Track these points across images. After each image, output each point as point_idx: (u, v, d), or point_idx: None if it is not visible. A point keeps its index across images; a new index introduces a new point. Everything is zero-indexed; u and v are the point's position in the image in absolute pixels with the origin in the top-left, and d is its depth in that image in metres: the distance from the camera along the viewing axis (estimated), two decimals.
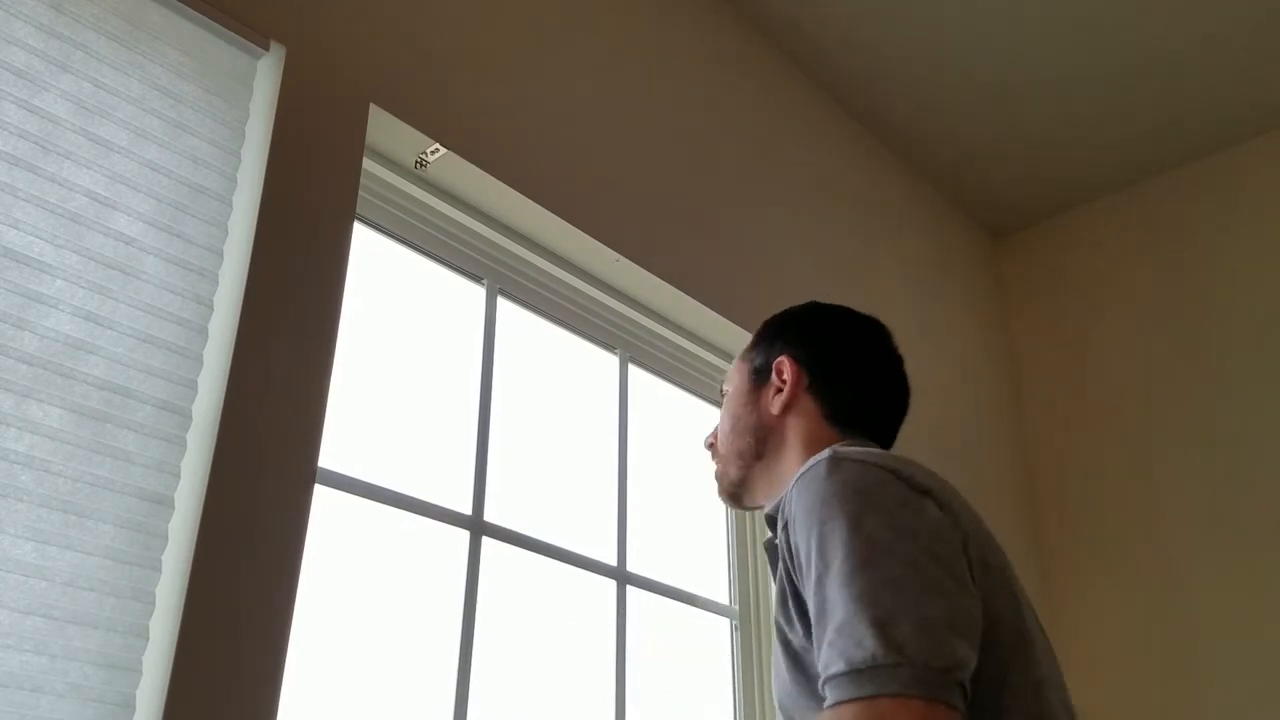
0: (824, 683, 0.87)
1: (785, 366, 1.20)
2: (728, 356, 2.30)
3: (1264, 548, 2.58)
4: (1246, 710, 2.49)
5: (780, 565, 1.02)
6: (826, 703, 0.86)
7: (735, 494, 1.24)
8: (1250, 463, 2.67)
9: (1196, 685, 2.58)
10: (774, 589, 1.09)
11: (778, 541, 1.05)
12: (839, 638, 0.86)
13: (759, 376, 1.23)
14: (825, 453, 1.00)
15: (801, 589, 0.96)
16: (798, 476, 1.00)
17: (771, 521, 1.11)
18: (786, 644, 1.02)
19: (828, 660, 0.87)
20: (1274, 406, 2.67)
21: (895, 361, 1.23)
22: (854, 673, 0.84)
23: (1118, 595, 2.77)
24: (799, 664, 1.00)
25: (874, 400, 1.19)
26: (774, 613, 1.07)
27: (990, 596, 0.96)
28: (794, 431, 1.17)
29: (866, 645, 0.84)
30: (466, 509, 1.72)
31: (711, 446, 1.26)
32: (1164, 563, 2.73)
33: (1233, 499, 2.67)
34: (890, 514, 0.93)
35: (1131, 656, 2.71)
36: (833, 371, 1.20)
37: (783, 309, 1.29)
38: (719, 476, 1.24)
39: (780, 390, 1.20)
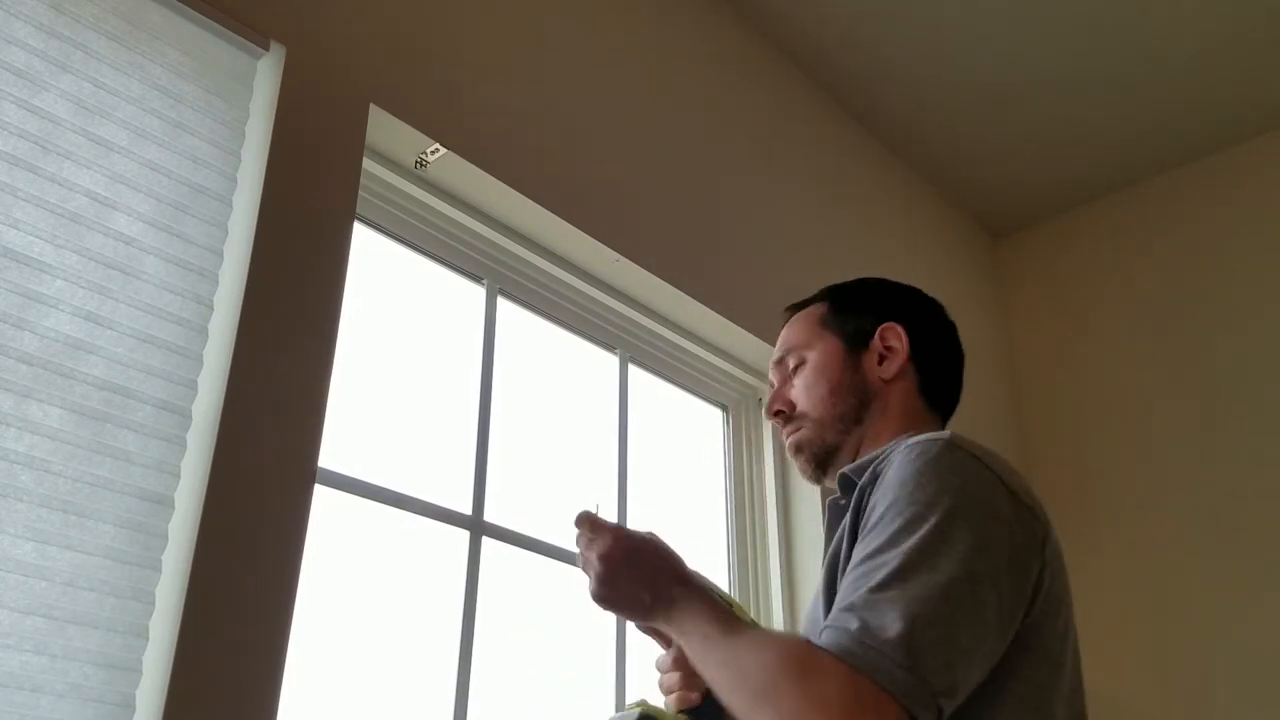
0: (829, 625, 0.88)
1: (896, 334, 1.22)
2: (728, 356, 2.30)
3: (1264, 547, 2.58)
4: (1244, 704, 2.49)
5: (843, 525, 1.02)
6: (823, 639, 0.87)
7: (825, 460, 1.20)
8: (1250, 462, 2.67)
9: (1195, 680, 2.58)
10: (827, 552, 1.09)
11: (844, 502, 1.06)
12: (871, 609, 0.87)
13: (855, 341, 1.23)
14: (945, 434, 1.00)
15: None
16: (908, 445, 0.99)
17: (847, 483, 1.10)
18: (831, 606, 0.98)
19: (844, 618, 0.87)
20: (1274, 406, 2.67)
21: (963, 352, 1.28)
22: (864, 645, 0.85)
23: (1117, 595, 2.77)
24: None
25: (955, 383, 1.24)
26: (821, 576, 1.06)
27: (1047, 619, 0.96)
28: (897, 398, 1.18)
29: (890, 633, 0.84)
30: (466, 509, 1.72)
31: (781, 414, 1.22)
32: (1164, 562, 2.73)
33: (1232, 498, 2.66)
34: (982, 524, 0.93)
35: (1131, 656, 2.70)
36: (934, 348, 1.23)
37: (868, 279, 1.32)
38: (806, 442, 1.19)
39: (886, 357, 1.21)
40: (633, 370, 2.17)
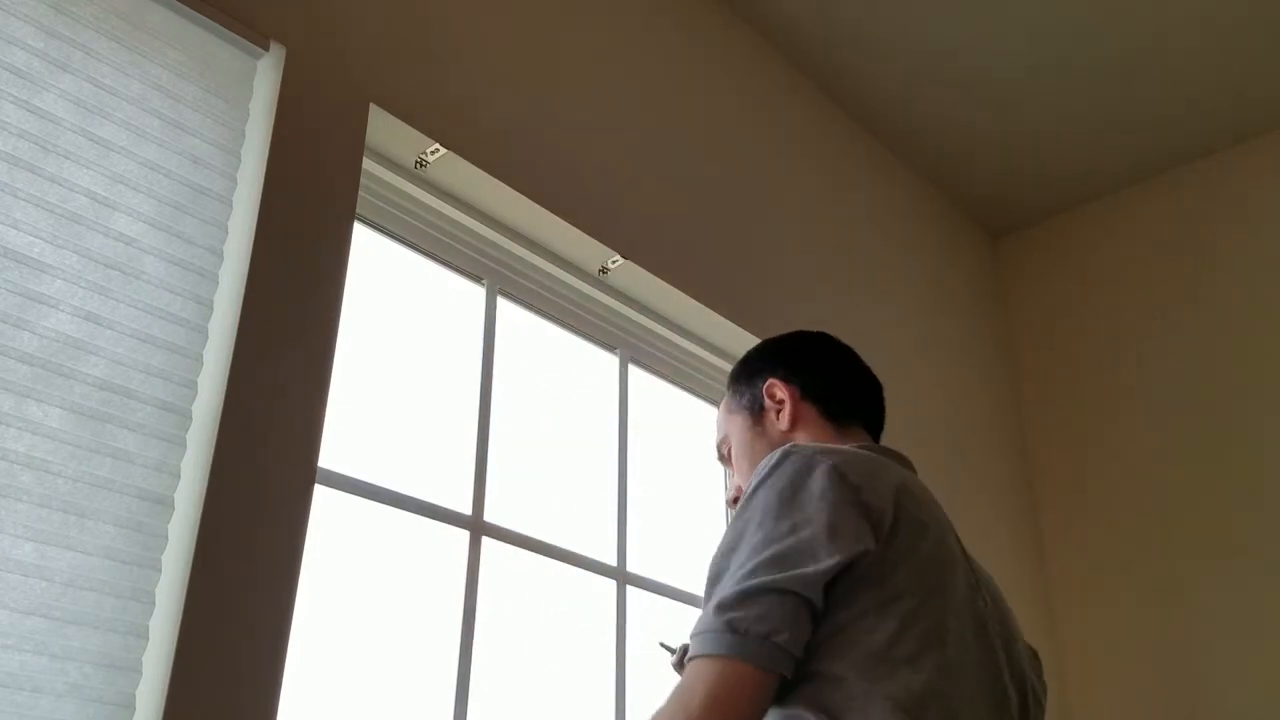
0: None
1: (776, 387, 1.28)
2: (728, 356, 2.30)
3: (1268, 552, 2.58)
4: (1245, 706, 2.49)
5: None
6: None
7: None
8: (1253, 462, 2.66)
9: (1196, 688, 2.58)
10: None
11: None
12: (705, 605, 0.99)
13: (754, 411, 1.30)
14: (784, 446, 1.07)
15: None
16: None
17: None
18: None
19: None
20: (1275, 405, 2.67)
21: (852, 354, 1.33)
22: (696, 636, 0.98)
23: (1117, 595, 2.77)
24: None
25: (855, 390, 1.28)
26: None
27: (902, 567, 1.00)
28: (804, 437, 1.23)
29: (708, 614, 0.97)
30: (466, 509, 1.72)
31: (737, 501, 1.21)
32: (1165, 562, 2.73)
33: (1234, 498, 2.66)
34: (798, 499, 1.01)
35: (1130, 656, 2.71)
36: (815, 374, 1.28)
37: (759, 343, 1.37)
38: None
39: (780, 409, 1.27)
40: (633, 370, 2.17)
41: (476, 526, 1.72)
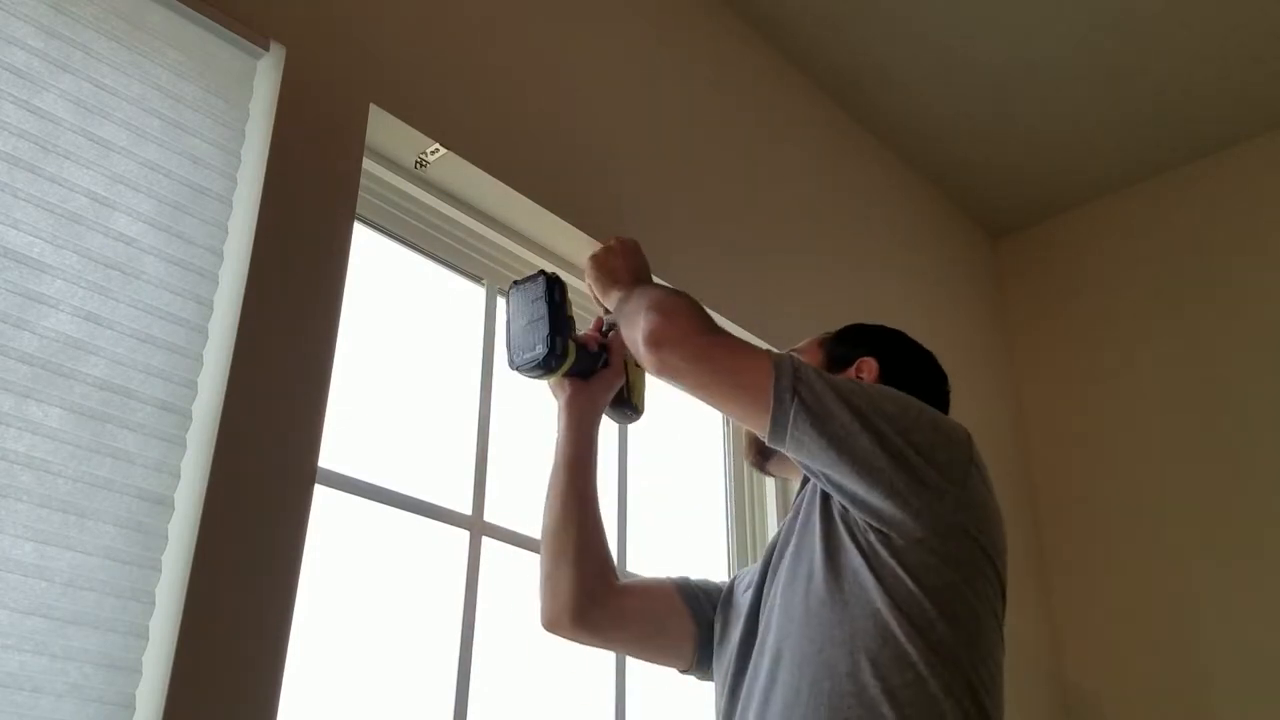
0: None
1: (870, 367, 1.39)
2: None
3: (1269, 551, 2.58)
4: (1248, 714, 2.49)
5: (810, 483, 1.25)
6: None
7: (766, 451, 1.40)
8: (1251, 461, 2.66)
9: (1197, 685, 2.58)
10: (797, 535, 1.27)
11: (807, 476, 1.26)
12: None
13: (835, 364, 1.41)
14: None
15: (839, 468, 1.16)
16: None
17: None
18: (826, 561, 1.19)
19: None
20: (1275, 405, 2.67)
21: (946, 409, 1.42)
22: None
23: (1117, 596, 2.77)
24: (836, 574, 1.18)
25: None
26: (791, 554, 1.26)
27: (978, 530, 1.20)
28: None
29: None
30: (466, 509, 1.72)
31: None
32: (1164, 561, 2.72)
33: (1235, 495, 2.66)
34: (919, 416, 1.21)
35: (1129, 649, 2.71)
36: (903, 387, 1.32)
37: (873, 324, 1.50)
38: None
39: None
40: None
41: (476, 526, 1.72)
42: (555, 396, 1.53)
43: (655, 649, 1.45)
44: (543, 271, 1.50)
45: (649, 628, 1.43)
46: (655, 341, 1.25)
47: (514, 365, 1.47)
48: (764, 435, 1.20)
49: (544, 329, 1.41)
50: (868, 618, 1.12)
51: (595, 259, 1.50)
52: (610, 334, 1.55)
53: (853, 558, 1.16)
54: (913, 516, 1.14)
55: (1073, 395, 3.04)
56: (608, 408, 1.54)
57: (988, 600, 1.17)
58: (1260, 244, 2.82)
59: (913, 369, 1.42)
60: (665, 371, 1.26)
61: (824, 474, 1.19)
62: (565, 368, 1.45)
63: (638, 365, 1.55)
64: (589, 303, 1.61)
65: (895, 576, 1.13)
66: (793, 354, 1.25)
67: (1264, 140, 2.90)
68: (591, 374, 1.49)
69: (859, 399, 1.17)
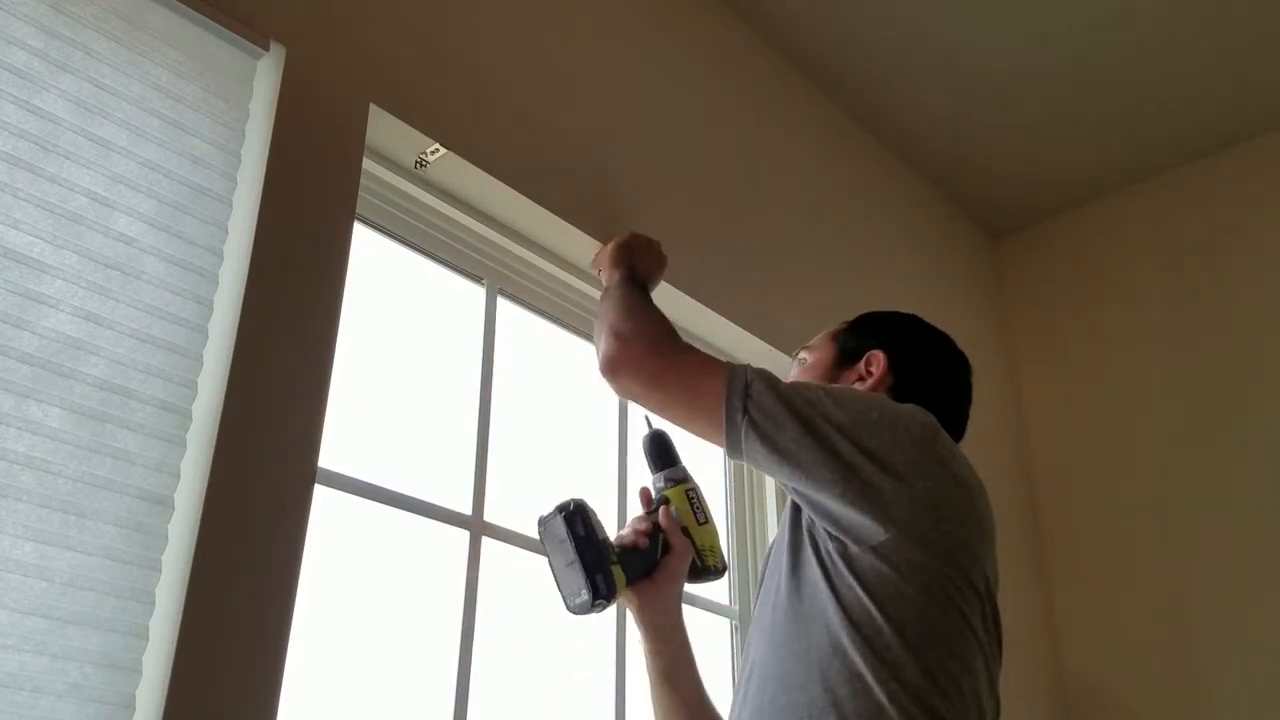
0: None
1: (878, 361, 1.37)
2: (728, 357, 2.30)
3: (1270, 548, 2.58)
4: (1247, 707, 2.49)
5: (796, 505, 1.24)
6: None
7: None
8: (1252, 460, 2.66)
9: (1197, 678, 2.58)
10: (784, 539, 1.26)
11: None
12: None
13: (845, 358, 1.40)
14: None
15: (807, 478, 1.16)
16: None
17: None
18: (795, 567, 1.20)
19: None
20: (1275, 404, 2.67)
21: (967, 398, 1.40)
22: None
23: (1118, 596, 2.77)
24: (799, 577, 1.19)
25: (943, 413, 1.31)
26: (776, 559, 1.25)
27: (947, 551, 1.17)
28: None
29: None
30: (466, 509, 1.72)
31: None
32: (1164, 561, 2.72)
33: (1235, 495, 2.66)
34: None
35: (1129, 644, 2.71)
36: (913, 385, 1.34)
37: (886, 311, 1.48)
38: None
39: (864, 379, 1.36)
40: None
41: (476, 526, 1.72)
42: (629, 608, 1.45)
43: None
44: (558, 508, 1.41)
45: None
46: (611, 369, 1.31)
47: (570, 610, 1.39)
48: (725, 451, 1.22)
49: (580, 572, 1.34)
50: (821, 629, 1.12)
51: (620, 240, 1.65)
52: (656, 510, 1.48)
53: (812, 569, 1.16)
54: (870, 521, 1.13)
55: (1073, 394, 3.04)
56: (689, 578, 1.46)
57: (950, 602, 1.14)
58: (1260, 244, 2.82)
59: (925, 358, 1.40)
60: (624, 395, 1.31)
61: (785, 485, 1.20)
62: (621, 590, 1.38)
63: (700, 524, 1.49)
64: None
65: (848, 586, 1.13)
66: (749, 367, 1.24)
67: (1264, 140, 2.90)
68: (655, 567, 1.42)
69: (810, 410, 1.17)
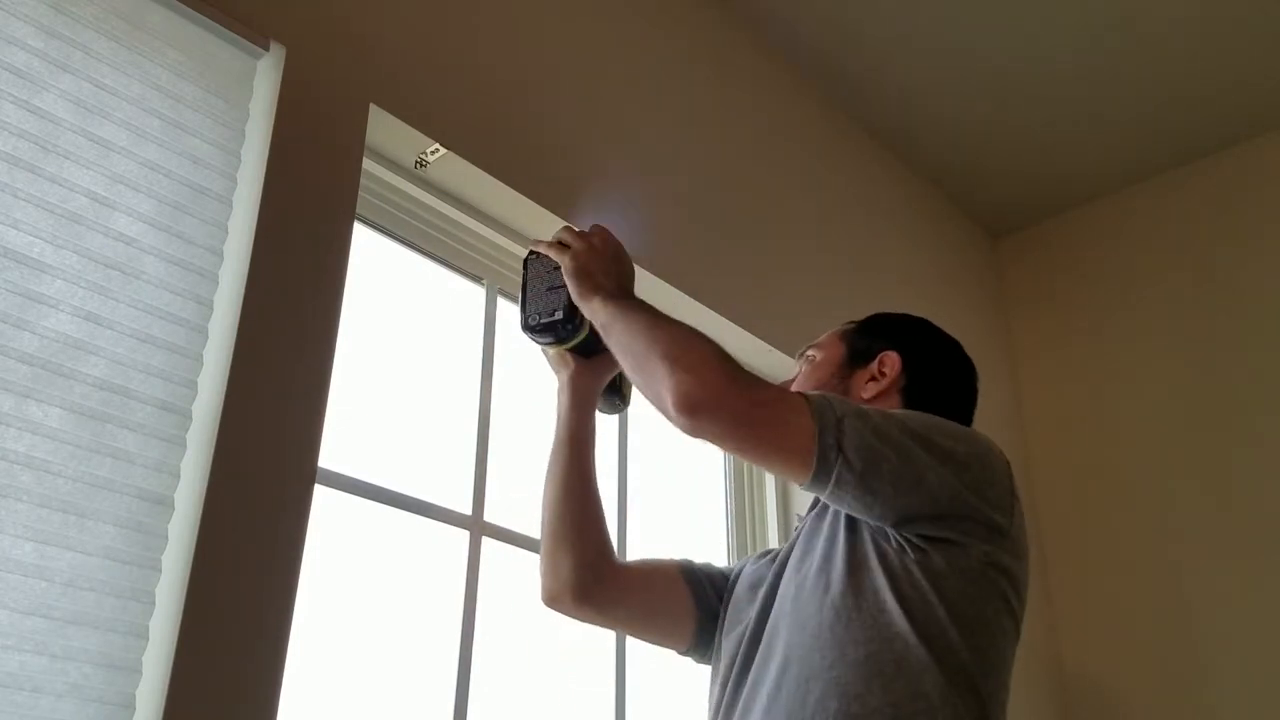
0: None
1: (892, 362, 1.35)
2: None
3: (1269, 545, 2.58)
4: (1246, 703, 2.49)
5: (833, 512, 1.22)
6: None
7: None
8: (1254, 461, 2.66)
9: (1196, 674, 2.58)
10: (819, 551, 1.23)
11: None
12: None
13: (856, 358, 1.38)
14: None
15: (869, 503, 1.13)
16: None
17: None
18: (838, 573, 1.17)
19: None
20: (1275, 404, 2.67)
21: (974, 405, 1.41)
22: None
23: (1118, 595, 2.77)
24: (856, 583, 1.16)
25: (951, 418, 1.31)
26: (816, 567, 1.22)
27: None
28: None
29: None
30: (466, 509, 1.72)
31: None
32: (1165, 561, 2.72)
33: (1235, 493, 2.66)
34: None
35: (1129, 640, 2.71)
36: (925, 389, 1.33)
37: (898, 313, 1.46)
38: None
39: (876, 379, 1.34)
40: None
41: (476, 526, 1.72)
42: (556, 373, 1.51)
43: (656, 629, 1.44)
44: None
45: (650, 607, 1.42)
46: (690, 408, 1.13)
47: (528, 325, 1.45)
48: (801, 485, 1.16)
49: (564, 296, 1.38)
50: (885, 641, 1.10)
51: (576, 256, 1.36)
52: None
53: (876, 578, 1.14)
54: (960, 547, 1.13)
55: (1073, 393, 3.04)
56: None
57: (1008, 635, 1.17)
58: (1260, 244, 2.82)
59: (938, 363, 1.39)
60: (699, 436, 1.16)
61: (866, 518, 1.17)
62: (577, 341, 1.43)
63: None
64: None
65: (924, 601, 1.11)
66: (829, 397, 1.17)
67: (1264, 140, 2.90)
68: (594, 354, 1.47)
69: (908, 443, 1.13)
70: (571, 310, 1.38)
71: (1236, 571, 2.60)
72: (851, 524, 1.20)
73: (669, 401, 1.15)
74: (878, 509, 1.13)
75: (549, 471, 1.46)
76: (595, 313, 1.32)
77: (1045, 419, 3.07)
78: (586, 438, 1.46)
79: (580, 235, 1.39)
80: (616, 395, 1.55)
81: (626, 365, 1.27)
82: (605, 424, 2.03)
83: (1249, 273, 2.82)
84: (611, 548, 1.44)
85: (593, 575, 1.39)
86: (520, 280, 1.48)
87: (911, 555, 1.13)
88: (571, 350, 1.46)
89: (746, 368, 1.25)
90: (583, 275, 1.34)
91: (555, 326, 1.41)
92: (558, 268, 1.38)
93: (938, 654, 1.09)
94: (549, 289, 1.43)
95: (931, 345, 1.41)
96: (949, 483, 1.13)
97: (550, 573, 1.41)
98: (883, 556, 1.14)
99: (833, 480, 1.11)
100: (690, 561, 1.47)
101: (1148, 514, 2.79)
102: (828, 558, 1.20)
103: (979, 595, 1.13)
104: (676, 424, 1.15)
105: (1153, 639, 2.68)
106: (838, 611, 1.14)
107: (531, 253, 1.49)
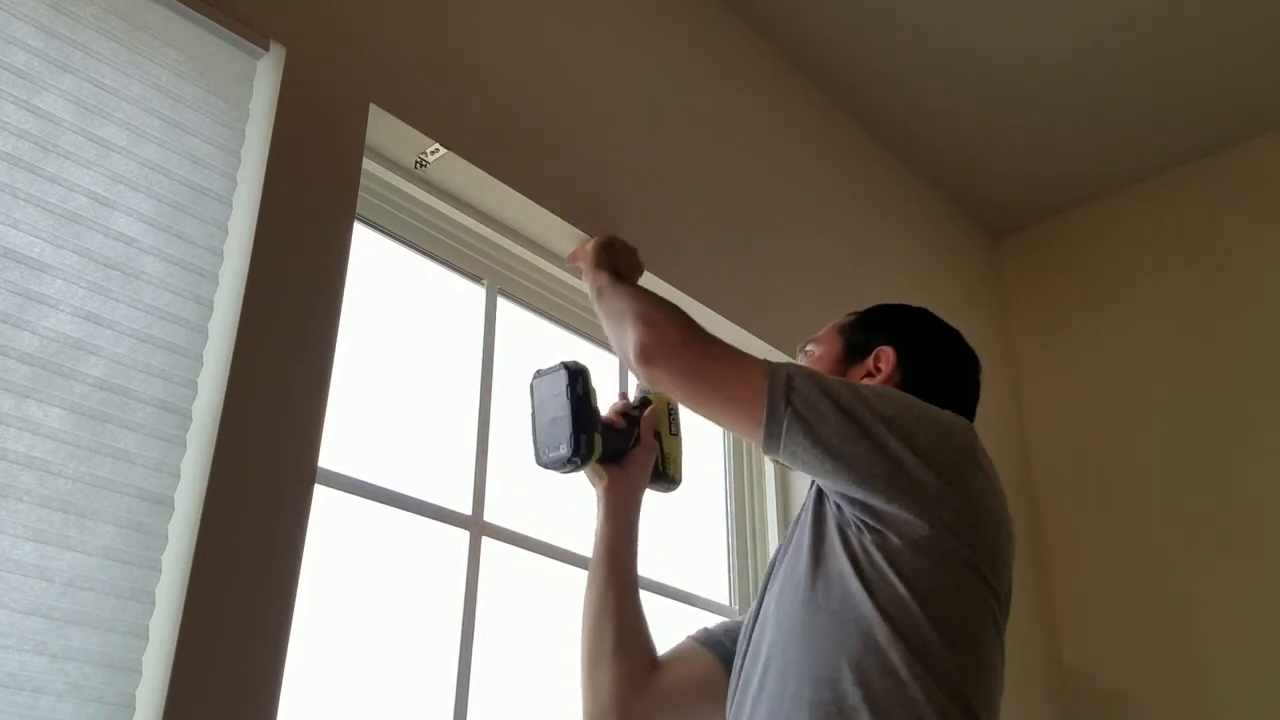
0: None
1: (887, 357, 1.36)
2: None
3: (1269, 543, 2.58)
4: (1246, 700, 2.49)
5: (812, 486, 1.25)
6: None
7: None
8: (1254, 460, 2.66)
9: (1195, 671, 2.58)
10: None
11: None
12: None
13: (853, 353, 1.39)
14: None
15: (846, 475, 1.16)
16: None
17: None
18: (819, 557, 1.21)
19: None
20: (1275, 404, 2.67)
21: (975, 396, 1.41)
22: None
23: (1118, 594, 2.77)
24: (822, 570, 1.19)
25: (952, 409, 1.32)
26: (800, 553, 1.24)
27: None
28: None
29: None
30: (466, 509, 1.72)
31: None
32: (1166, 561, 2.72)
33: (1234, 492, 2.66)
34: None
35: (1128, 638, 2.71)
36: (922, 382, 1.32)
37: (896, 305, 1.47)
38: None
39: (872, 375, 1.36)
40: None
41: (476, 526, 1.72)
42: (593, 485, 1.52)
43: (708, 709, 1.40)
44: (564, 364, 1.50)
45: (693, 693, 1.40)
46: (646, 356, 1.27)
47: (541, 463, 1.47)
48: (758, 445, 1.20)
49: (567, 427, 1.41)
50: (851, 623, 1.12)
51: (605, 237, 1.62)
52: (639, 410, 1.55)
53: (839, 563, 1.15)
54: (913, 517, 1.13)
55: (1073, 393, 3.04)
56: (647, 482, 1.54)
57: (983, 602, 1.16)
58: (1260, 244, 2.82)
59: (934, 356, 1.39)
60: (656, 384, 1.29)
61: (824, 480, 1.19)
62: (593, 459, 1.45)
63: (671, 434, 1.57)
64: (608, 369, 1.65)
65: (885, 580, 1.12)
66: (790, 362, 1.24)
67: (1264, 140, 2.90)
68: (624, 455, 1.49)
69: (855, 404, 1.16)
70: (577, 437, 1.41)
71: (1236, 571, 2.60)
72: (819, 512, 1.22)
73: (631, 353, 1.29)
74: (829, 463, 1.15)
75: (588, 585, 1.46)
76: (596, 278, 1.51)
77: (1045, 419, 3.07)
78: (623, 550, 1.47)
79: (612, 237, 1.64)
80: (664, 479, 1.56)
81: (607, 329, 1.40)
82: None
83: (1249, 273, 2.82)
84: (654, 654, 1.42)
85: (631, 687, 1.38)
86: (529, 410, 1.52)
87: (869, 536, 1.15)
88: (600, 462, 1.48)
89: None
90: (603, 250, 1.60)
91: (567, 459, 1.43)
92: (560, 394, 1.43)
93: (902, 631, 1.10)
94: (552, 420, 1.44)
95: (929, 337, 1.41)
96: (894, 444, 1.14)
97: (590, 692, 1.41)
98: (845, 542, 1.16)
99: (783, 433, 1.16)
100: (706, 628, 1.47)
101: (1148, 513, 2.79)
102: (799, 552, 1.22)
103: (936, 567, 1.13)
104: (636, 373, 1.29)
105: (1153, 639, 2.68)
106: (806, 602, 1.17)
107: (535, 373, 1.52)
